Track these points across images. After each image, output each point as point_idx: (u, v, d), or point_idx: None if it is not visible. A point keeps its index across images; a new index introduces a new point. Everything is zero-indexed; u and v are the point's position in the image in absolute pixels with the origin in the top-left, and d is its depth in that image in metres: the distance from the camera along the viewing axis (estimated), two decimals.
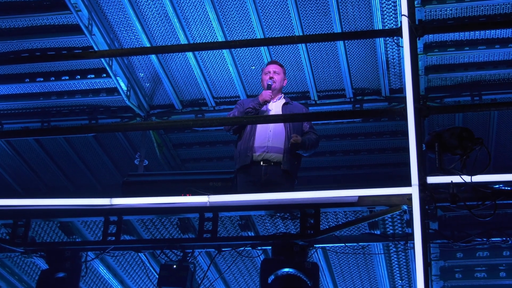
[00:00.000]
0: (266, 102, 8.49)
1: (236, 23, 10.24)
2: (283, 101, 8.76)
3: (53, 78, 11.18)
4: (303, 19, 10.04)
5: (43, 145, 12.29)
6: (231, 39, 10.44)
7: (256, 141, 8.38)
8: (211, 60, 10.84)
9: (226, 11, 10.07)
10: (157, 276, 7.37)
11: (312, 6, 9.87)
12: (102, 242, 7.25)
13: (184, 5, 10.05)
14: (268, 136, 8.38)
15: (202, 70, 10.96)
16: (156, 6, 10.09)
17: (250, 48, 10.64)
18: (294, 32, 10.15)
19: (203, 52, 10.74)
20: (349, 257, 8.31)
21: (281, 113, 8.58)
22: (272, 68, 8.75)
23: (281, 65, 8.87)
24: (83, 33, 10.18)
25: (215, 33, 10.34)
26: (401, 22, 7.16)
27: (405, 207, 6.62)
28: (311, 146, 8.48)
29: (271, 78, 8.64)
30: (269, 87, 8.54)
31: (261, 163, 8.29)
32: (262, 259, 7.24)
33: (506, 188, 6.54)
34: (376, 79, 10.81)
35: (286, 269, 6.68)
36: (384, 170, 12.08)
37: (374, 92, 11.02)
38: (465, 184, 6.44)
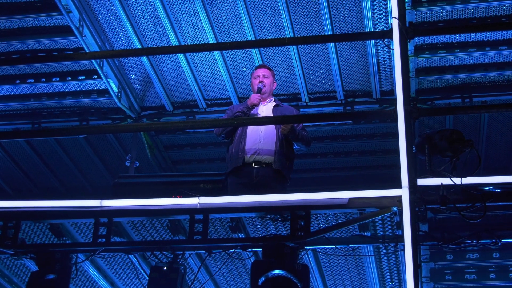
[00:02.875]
0: (255, 105, 8.50)
1: (227, 25, 10.25)
2: (273, 103, 8.78)
3: (44, 80, 11.16)
4: (294, 21, 10.05)
5: (33, 147, 12.27)
6: (222, 41, 10.44)
7: (247, 143, 8.38)
8: (202, 61, 10.84)
9: (217, 13, 10.07)
10: (148, 278, 7.37)
11: (303, 8, 9.88)
12: (92, 244, 7.24)
13: (175, 7, 10.05)
14: (259, 138, 8.39)
15: (193, 72, 10.96)
16: (147, 8, 10.08)
17: (241, 50, 10.64)
18: (285, 34, 10.16)
19: (194, 53, 10.75)
20: (340, 259, 8.32)
21: (271, 115, 8.60)
22: (261, 72, 8.76)
23: (270, 69, 8.89)
24: (74, 35, 10.17)
25: (206, 35, 10.34)
26: (391, 24, 7.17)
27: (395, 209, 6.63)
28: (302, 137, 8.48)
29: (260, 82, 8.65)
30: (259, 90, 8.56)
31: (253, 164, 8.29)
32: (252, 261, 7.26)
33: (496, 190, 6.56)
34: (367, 81, 10.82)
35: (277, 271, 6.68)
36: (375, 172, 12.10)
37: (365, 94, 11.04)
38: (455, 186, 6.45)
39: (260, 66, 8.98)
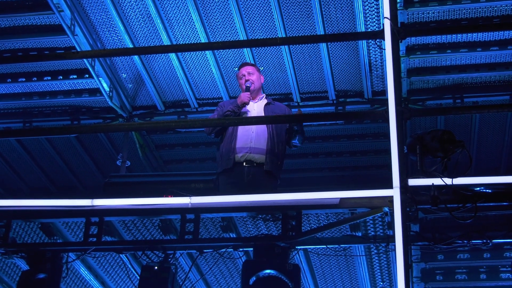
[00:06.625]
0: (245, 104, 8.49)
1: (219, 24, 10.24)
2: (265, 101, 8.77)
3: (35, 79, 11.13)
4: (286, 21, 10.05)
5: (24, 146, 12.23)
6: (214, 41, 10.43)
7: (238, 142, 8.37)
8: (194, 61, 10.83)
9: (209, 12, 10.06)
10: (139, 278, 7.36)
11: (295, 8, 9.88)
12: (83, 243, 7.25)
13: (167, 6, 10.04)
14: (251, 137, 8.38)
15: (185, 71, 10.95)
16: (139, 7, 10.07)
17: (233, 49, 10.64)
18: (277, 33, 10.16)
19: (186, 53, 10.73)
20: (331, 259, 8.32)
21: (263, 113, 8.60)
22: (245, 70, 8.77)
23: (252, 65, 8.92)
24: (65, 34, 10.15)
25: (198, 34, 10.33)
26: (383, 24, 7.19)
27: (386, 209, 6.65)
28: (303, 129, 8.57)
29: (247, 80, 8.65)
30: (247, 89, 8.56)
31: (244, 164, 8.29)
32: (243, 260, 7.26)
33: (487, 190, 6.59)
34: (359, 81, 10.82)
35: (268, 271, 6.70)
36: (366, 172, 12.10)
37: (356, 94, 11.03)
38: (446, 186, 6.47)
39: (242, 65, 8.97)
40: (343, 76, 10.79)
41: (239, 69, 8.90)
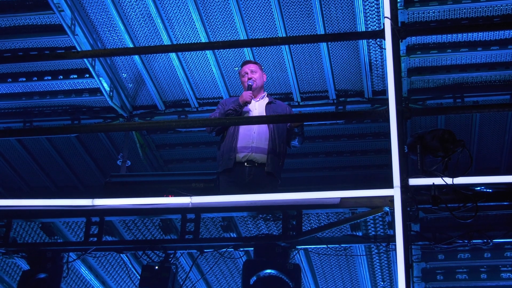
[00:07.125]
0: (247, 103, 8.49)
1: (220, 24, 10.23)
2: (266, 100, 8.77)
3: (36, 78, 11.12)
4: (286, 21, 10.04)
5: (25, 145, 12.24)
6: (215, 40, 10.43)
7: (240, 142, 8.37)
8: (194, 61, 10.83)
9: (210, 12, 10.06)
10: (139, 277, 7.36)
11: (296, 7, 9.88)
12: (83, 243, 7.26)
13: (167, 6, 10.03)
14: (252, 138, 8.38)
15: (185, 71, 10.94)
16: (140, 7, 10.06)
17: (233, 49, 10.63)
18: (278, 33, 10.15)
19: (186, 53, 10.73)
20: (331, 259, 8.32)
21: (264, 112, 8.59)
22: (248, 68, 8.77)
23: (255, 63, 8.92)
24: (66, 33, 10.14)
25: (198, 34, 10.33)
26: (384, 24, 7.19)
27: (387, 208, 6.65)
28: (303, 131, 8.57)
29: (249, 78, 8.65)
30: (249, 87, 8.56)
31: (245, 164, 8.29)
32: (244, 260, 7.26)
33: (487, 190, 6.59)
34: (359, 81, 10.82)
35: (268, 271, 6.70)
36: (367, 172, 12.11)
37: (357, 93, 11.03)
38: (446, 186, 6.48)
39: (245, 63, 8.98)
40: (344, 76, 10.79)
41: (241, 67, 8.91)
